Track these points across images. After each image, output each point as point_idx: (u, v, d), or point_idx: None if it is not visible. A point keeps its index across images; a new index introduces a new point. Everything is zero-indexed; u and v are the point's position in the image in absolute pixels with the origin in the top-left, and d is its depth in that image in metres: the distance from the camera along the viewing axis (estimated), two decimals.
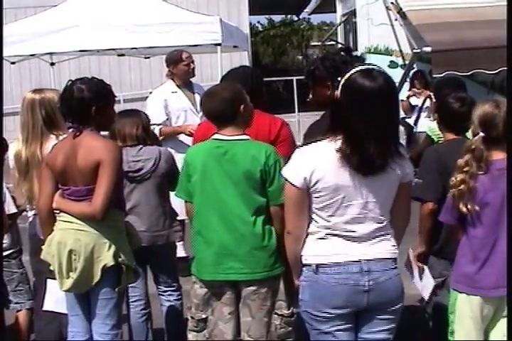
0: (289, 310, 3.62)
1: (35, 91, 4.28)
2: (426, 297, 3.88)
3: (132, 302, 4.38)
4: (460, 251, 3.39)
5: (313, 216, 3.01)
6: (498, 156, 3.29)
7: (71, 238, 3.56)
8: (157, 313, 4.58)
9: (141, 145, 4.32)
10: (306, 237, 3.04)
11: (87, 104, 3.56)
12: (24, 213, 4.42)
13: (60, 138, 4.00)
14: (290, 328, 3.64)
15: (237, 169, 3.44)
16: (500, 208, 3.26)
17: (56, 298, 3.81)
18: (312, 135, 3.60)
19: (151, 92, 16.80)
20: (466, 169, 3.27)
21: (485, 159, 3.27)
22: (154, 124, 6.16)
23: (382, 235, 3.01)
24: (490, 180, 3.26)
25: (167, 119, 6.29)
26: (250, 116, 3.59)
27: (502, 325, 3.32)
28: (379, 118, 2.84)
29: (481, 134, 3.28)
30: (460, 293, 3.35)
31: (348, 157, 2.86)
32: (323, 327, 3.03)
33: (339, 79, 3.79)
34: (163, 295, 4.51)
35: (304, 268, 3.04)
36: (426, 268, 3.87)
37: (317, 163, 2.91)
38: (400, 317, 3.09)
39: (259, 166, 3.42)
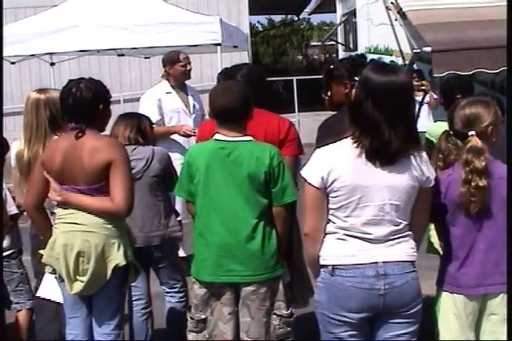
0: (287, 310, 3.60)
1: (39, 91, 4.24)
2: None
3: (133, 301, 4.38)
4: (444, 249, 3.40)
5: (330, 217, 3.02)
6: None
7: (78, 240, 3.54)
8: (160, 313, 4.58)
9: (134, 146, 4.31)
10: (324, 237, 3.04)
11: (95, 102, 3.56)
12: (25, 213, 4.40)
13: None
14: (289, 328, 3.63)
15: (241, 170, 3.42)
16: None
17: (52, 286, 3.78)
18: (328, 128, 3.63)
19: None
20: (439, 164, 3.30)
21: (445, 158, 3.29)
22: None
23: (400, 237, 3.01)
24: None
25: (160, 119, 6.30)
26: (251, 118, 3.57)
27: (489, 323, 3.33)
28: (393, 109, 2.89)
29: (472, 132, 3.27)
30: (444, 291, 3.36)
31: (365, 145, 2.90)
32: (337, 331, 3.02)
33: (356, 79, 3.86)
34: (166, 296, 4.51)
35: (321, 269, 3.04)
36: None
37: (335, 162, 2.95)
38: (420, 319, 3.07)
39: (264, 168, 3.41)
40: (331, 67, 3.99)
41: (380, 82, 2.91)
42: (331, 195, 2.97)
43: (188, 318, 3.64)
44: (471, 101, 3.38)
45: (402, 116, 2.92)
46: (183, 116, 6.47)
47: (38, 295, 3.97)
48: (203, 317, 3.57)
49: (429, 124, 4.71)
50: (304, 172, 3.03)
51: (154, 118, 6.18)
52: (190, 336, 3.65)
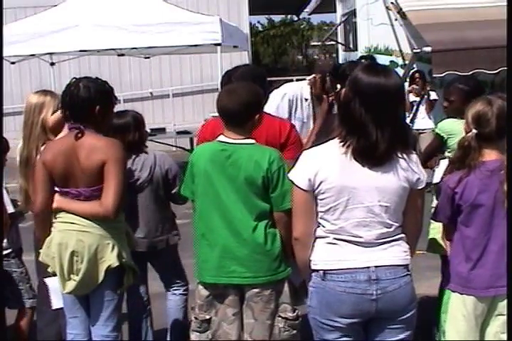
0: (293, 312, 3.55)
1: (44, 92, 4.23)
2: None
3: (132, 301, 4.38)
4: (453, 250, 3.38)
5: (320, 220, 2.97)
6: (491, 157, 3.28)
7: (73, 239, 3.53)
8: (159, 313, 4.58)
9: (134, 155, 4.22)
10: (315, 241, 3.00)
11: (91, 103, 3.53)
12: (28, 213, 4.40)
13: None
14: (294, 331, 3.56)
15: (239, 174, 3.38)
16: (493, 209, 3.26)
17: (61, 295, 3.77)
18: (330, 123, 3.63)
19: (151, 93, 16.72)
20: (457, 165, 3.29)
21: (477, 159, 3.27)
22: None
23: (392, 240, 2.95)
24: (481, 181, 3.25)
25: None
26: (260, 123, 3.53)
27: (496, 323, 3.33)
28: (381, 110, 2.84)
29: (474, 131, 3.28)
30: (453, 292, 3.35)
31: (352, 144, 2.85)
32: (330, 336, 2.98)
33: (338, 86, 3.89)
34: (169, 291, 4.50)
35: (313, 274, 3.00)
36: None
37: (321, 163, 2.90)
38: (414, 325, 3.02)
39: (262, 172, 3.36)
40: (329, 73, 4.02)
41: (368, 82, 2.86)
42: (319, 197, 2.93)
43: (192, 318, 3.62)
44: (476, 101, 3.37)
45: (390, 117, 2.86)
46: (304, 128, 5.31)
47: (54, 308, 3.91)
48: (207, 317, 3.53)
49: (444, 121, 4.63)
50: (292, 174, 3.00)
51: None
52: (193, 336, 3.62)
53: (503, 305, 3.27)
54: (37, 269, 4.35)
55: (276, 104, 5.04)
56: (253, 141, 3.46)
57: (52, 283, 3.73)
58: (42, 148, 4.01)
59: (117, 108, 3.81)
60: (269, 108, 4.84)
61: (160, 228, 4.32)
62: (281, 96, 5.15)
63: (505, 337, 3.26)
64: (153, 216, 4.29)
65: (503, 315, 3.27)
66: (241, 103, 3.40)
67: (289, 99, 5.12)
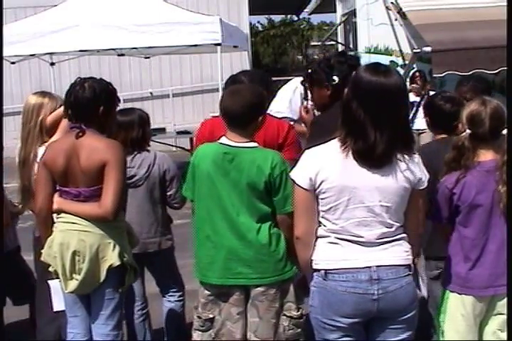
0: (298, 311, 3.56)
1: (42, 93, 4.24)
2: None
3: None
4: (451, 250, 3.38)
5: (321, 219, 2.98)
6: (486, 157, 3.28)
7: (74, 239, 3.54)
8: (157, 313, 4.58)
9: (135, 152, 4.25)
10: (316, 241, 3.00)
11: (95, 103, 3.53)
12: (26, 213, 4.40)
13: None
14: (299, 330, 3.58)
15: (241, 178, 3.37)
16: (491, 209, 3.26)
17: (63, 297, 3.77)
18: (322, 125, 3.61)
19: (151, 93, 16.69)
20: (453, 165, 3.28)
21: (473, 159, 3.26)
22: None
23: (393, 240, 2.94)
24: (479, 181, 3.25)
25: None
26: (262, 125, 3.52)
27: (495, 322, 3.33)
28: (380, 110, 2.83)
29: (468, 131, 3.28)
30: (451, 292, 3.35)
31: (351, 146, 2.85)
32: (332, 336, 2.98)
33: (335, 78, 3.85)
34: (164, 296, 4.51)
35: (314, 274, 3.00)
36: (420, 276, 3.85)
37: (322, 163, 2.90)
38: (416, 324, 3.01)
39: (264, 177, 3.35)
40: (309, 71, 3.97)
41: (366, 81, 2.86)
42: (320, 196, 2.93)
43: (195, 317, 3.61)
44: (471, 101, 3.37)
45: (390, 117, 2.85)
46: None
47: (55, 310, 3.91)
48: (211, 316, 3.53)
49: None
50: (293, 173, 3.01)
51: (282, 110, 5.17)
52: (195, 335, 3.61)
53: (501, 305, 3.28)
54: (36, 269, 4.36)
55: (288, 98, 5.12)
56: (255, 144, 3.45)
57: (54, 285, 3.73)
58: (40, 149, 4.02)
59: (117, 108, 3.81)
60: (282, 103, 5.09)
61: (152, 230, 4.29)
62: (293, 90, 5.19)
63: (504, 335, 3.26)
64: (146, 217, 4.27)
65: (502, 314, 3.28)
66: (245, 104, 3.38)
67: (301, 92, 5.06)
